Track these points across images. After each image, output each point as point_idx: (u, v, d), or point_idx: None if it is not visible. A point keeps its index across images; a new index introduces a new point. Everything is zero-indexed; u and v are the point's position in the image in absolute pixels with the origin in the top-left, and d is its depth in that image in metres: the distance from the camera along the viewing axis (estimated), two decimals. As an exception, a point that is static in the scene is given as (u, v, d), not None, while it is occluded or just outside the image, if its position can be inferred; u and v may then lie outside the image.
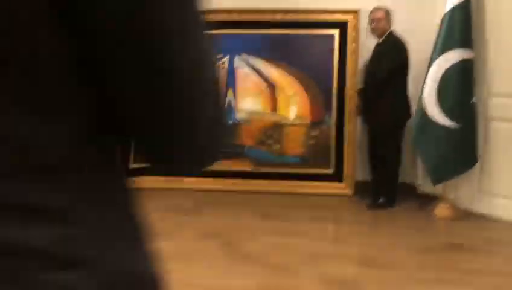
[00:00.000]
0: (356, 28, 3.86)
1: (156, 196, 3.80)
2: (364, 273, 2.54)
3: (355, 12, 3.85)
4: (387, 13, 3.50)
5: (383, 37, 3.52)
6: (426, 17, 3.68)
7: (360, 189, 3.92)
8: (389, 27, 3.51)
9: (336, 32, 3.89)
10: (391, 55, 3.41)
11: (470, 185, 3.56)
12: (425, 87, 3.43)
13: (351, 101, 3.89)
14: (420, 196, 3.84)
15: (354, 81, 3.88)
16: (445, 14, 3.34)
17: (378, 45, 3.56)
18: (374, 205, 3.62)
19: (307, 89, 3.96)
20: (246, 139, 4.01)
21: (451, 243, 2.99)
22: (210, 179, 3.96)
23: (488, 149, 3.49)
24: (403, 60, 3.41)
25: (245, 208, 3.59)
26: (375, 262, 2.68)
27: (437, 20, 3.50)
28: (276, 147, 4.00)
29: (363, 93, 3.73)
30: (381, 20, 3.48)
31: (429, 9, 3.70)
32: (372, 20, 3.52)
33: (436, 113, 3.38)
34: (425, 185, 3.85)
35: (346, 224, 3.33)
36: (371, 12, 3.54)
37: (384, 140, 3.55)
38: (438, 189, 3.67)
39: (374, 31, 3.53)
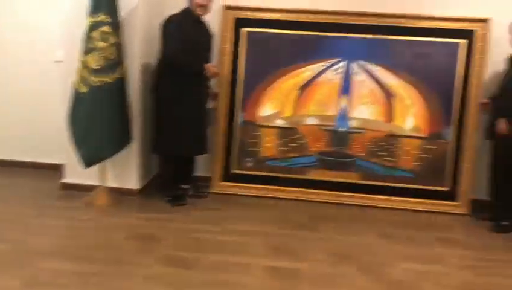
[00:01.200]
0: (485, 38, 3.59)
1: (257, 205, 3.71)
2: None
3: (484, 21, 3.59)
4: (535, 24, 3.23)
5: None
6: None
7: (474, 208, 3.71)
8: (534, 40, 3.25)
9: (461, 41, 3.64)
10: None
11: None
12: None
13: (473, 115, 3.65)
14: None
15: (477, 95, 3.63)
16: None
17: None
18: (499, 228, 3.38)
19: (426, 99, 3.70)
20: (357, 150, 3.82)
21: None
22: (314, 191, 3.81)
23: None
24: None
25: (362, 225, 3.38)
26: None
27: None
28: (389, 159, 3.80)
29: (494, 108, 3.50)
30: (528, 32, 3.22)
31: None
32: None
33: None
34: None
35: (479, 250, 3.05)
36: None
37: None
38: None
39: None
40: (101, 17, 3.30)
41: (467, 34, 3.66)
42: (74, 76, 3.38)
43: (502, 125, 3.31)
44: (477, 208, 3.71)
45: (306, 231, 3.24)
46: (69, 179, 3.77)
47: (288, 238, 3.08)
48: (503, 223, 3.42)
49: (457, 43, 3.66)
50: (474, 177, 3.74)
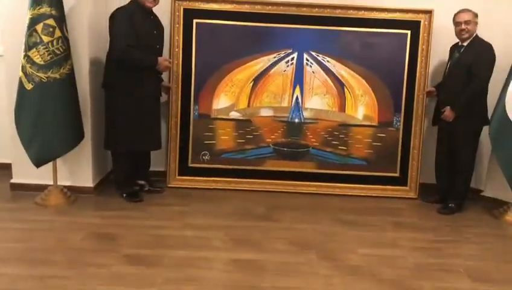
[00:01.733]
0: (429, 29, 3.74)
1: (215, 199, 3.71)
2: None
3: (429, 12, 3.74)
4: (476, 15, 3.40)
5: (469, 41, 3.42)
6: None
7: (422, 192, 3.90)
8: (475, 30, 3.45)
9: (408, 32, 3.77)
10: (487, 60, 3.33)
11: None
12: (507, 95, 3.37)
13: (419, 103, 3.83)
14: (483, 199, 3.84)
15: (423, 83, 3.80)
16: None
17: (461, 48, 3.44)
18: (446, 210, 3.59)
19: (375, 89, 3.83)
20: (312, 139, 3.89)
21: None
22: (271, 181, 3.86)
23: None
24: (493, 66, 3.38)
25: (319, 213, 3.47)
26: (486, 276, 2.62)
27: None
28: (342, 148, 3.90)
29: (439, 96, 3.67)
30: (470, 23, 3.37)
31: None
32: (460, 22, 3.40)
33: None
34: (488, 189, 3.87)
35: (430, 232, 3.23)
36: (459, 13, 3.42)
37: (464, 146, 3.50)
38: (501, 193, 3.72)
39: (463, 33, 3.40)
40: (44, 9, 3.14)
41: (412, 25, 3.79)
42: (18, 71, 3.19)
43: (447, 112, 3.48)
44: (426, 192, 3.90)
45: (266, 221, 3.29)
46: (19, 179, 3.60)
47: (248, 230, 3.11)
48: (450, 205, 3.62)
49: (405, 34, 3.79)
50: (422, 163, 3.92)
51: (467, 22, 3.40)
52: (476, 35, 3.45)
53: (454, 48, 3.60)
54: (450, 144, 3.60)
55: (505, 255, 2.94)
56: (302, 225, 3.25)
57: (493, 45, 3.43)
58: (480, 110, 3.50)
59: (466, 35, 3.42)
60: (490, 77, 3.40)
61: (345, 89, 3.85)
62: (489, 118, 3.57)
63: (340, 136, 3.89)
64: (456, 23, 3.47)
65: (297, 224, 3.26)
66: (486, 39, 3.47)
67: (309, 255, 2.78)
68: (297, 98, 3.86)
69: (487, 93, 3.51)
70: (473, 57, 3.38)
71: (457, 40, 3.56)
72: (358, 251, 2.88)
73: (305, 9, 3.75)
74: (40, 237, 2.86)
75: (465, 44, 3.47)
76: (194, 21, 3.75)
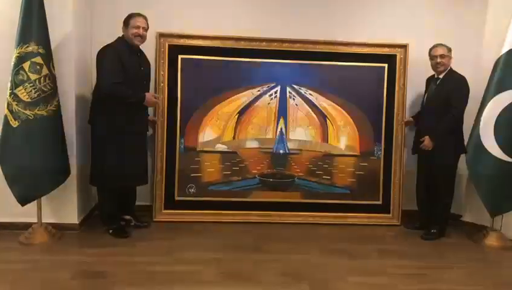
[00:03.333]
0: (404, 62, 3.95)
1: (203, 231, 3.72)
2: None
3: (404, 46, 3.95)
4: (450, 49, 3.61)
5: (444, 73, 3.61)
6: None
7: (405, 218, 4.02)
8: (450, 63, 3.64)
9: (385, 65, 3.96)
10: (462, 92, 3.53)
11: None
12: (481, 124, 3.60)
13: (398, 133, 4.00)
14: (463, 224, 4.00)
15: (401, 114, 3.98)
16: (502, 55, 3.56)
17: (437, 80, 3.63)
18: (429, 236, 3.70)
19: (356, 120, 3.98)
20: (296, 170, 3.97)
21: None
22: (258, 212, 3.91)
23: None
24: (468, 97, 3.57)
25: (307, 243, 3.52)
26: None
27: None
28: (326, 178, 3.99)
29: (418, 126, 3.84)
30: (445, 56, 3.57)
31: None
32: (435, 56, 3.59)
33: (493, 149, 3.53)
34: (467, 214, 4.03)
35: (416, 258, 3.31)
36: (435, 48, 3.61)
37: (443, 174, 3.64)
38: (479, 218, 3.89)
39: (438, 66, 3.59)
40: (32, 47, 3.15)
41: (389, 59, 3.99)
42: (3, 109, 3.18)
43: (426, 142, 3.63)
44: (408, 218, 4.01)
45: (256, 253, 3.30)
46: (0, 217, 3.50)
47: (239, 263, 3.12)
48: (432, 230, 3.74)
49: (382, 67, 3.98)
50: (403, 190, 4.05)
51: (442, 56, 3.60)
52: (451, 68, 3.65)
53: (430, 80, 3.80)
54: (429, 171, 3.74)
55: (488, 279, 3.04)
56: (292, 255, 3.29)
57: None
58: (457, 139, 3.67)
59: (441, 68, 3.62)
60: (465, 107, 3.59)
61: (327, 121, 3.99)
62: (466, 145, 3.75)
63: (324, 166, 4.00)
64: (432, 57, 3.67)
65: (287, 254, 3.29)
66: (458, 71, 3.66)
67: (302, 286, 2.80)
68: (281, 129, 3.97)
69: (463, 123, 3.69)
70: (449, 89, 3.58)
71: (433, 72, 3.76)
72: (349, 279, 2.92)
73: (286, 44, 3.91)
74: (26, 278, 2.78)
75: (441, 76, 3.66)
76: (179, 56, 3.84)
